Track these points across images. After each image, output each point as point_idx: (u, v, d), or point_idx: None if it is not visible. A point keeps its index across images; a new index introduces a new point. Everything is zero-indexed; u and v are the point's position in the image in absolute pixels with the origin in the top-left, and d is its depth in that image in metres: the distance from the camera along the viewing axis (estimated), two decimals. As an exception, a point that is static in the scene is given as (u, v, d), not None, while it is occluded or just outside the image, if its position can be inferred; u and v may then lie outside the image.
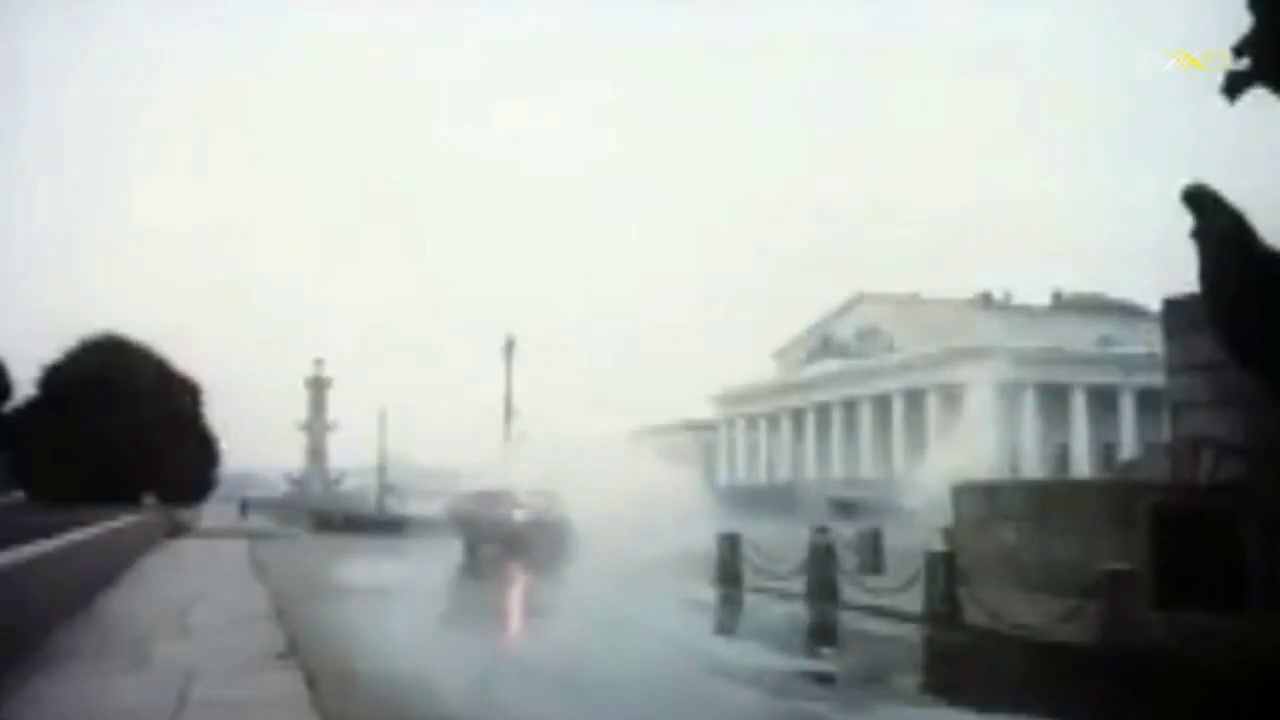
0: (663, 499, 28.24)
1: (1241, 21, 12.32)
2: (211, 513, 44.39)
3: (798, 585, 15.96)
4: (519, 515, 28.36)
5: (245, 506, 53.75)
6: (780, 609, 15.31)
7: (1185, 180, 12.36)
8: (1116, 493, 14.16)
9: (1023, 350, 57.56)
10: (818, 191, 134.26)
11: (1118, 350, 59.94)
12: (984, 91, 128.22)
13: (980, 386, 51.48)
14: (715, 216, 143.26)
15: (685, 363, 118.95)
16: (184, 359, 40.13)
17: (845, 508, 44.46)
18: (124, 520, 20.15)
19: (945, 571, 12.83)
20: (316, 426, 69.64)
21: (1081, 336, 61.82)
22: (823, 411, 71.10)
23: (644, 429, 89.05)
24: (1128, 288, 63.30)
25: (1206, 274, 12.29)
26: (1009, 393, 54.92)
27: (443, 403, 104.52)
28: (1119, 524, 12.66)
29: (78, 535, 13.09)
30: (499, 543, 26.94)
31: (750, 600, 16.62)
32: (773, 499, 53.30)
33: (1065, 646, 10.41)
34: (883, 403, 65.88)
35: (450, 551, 27.67)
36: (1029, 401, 60.19)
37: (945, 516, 16.04)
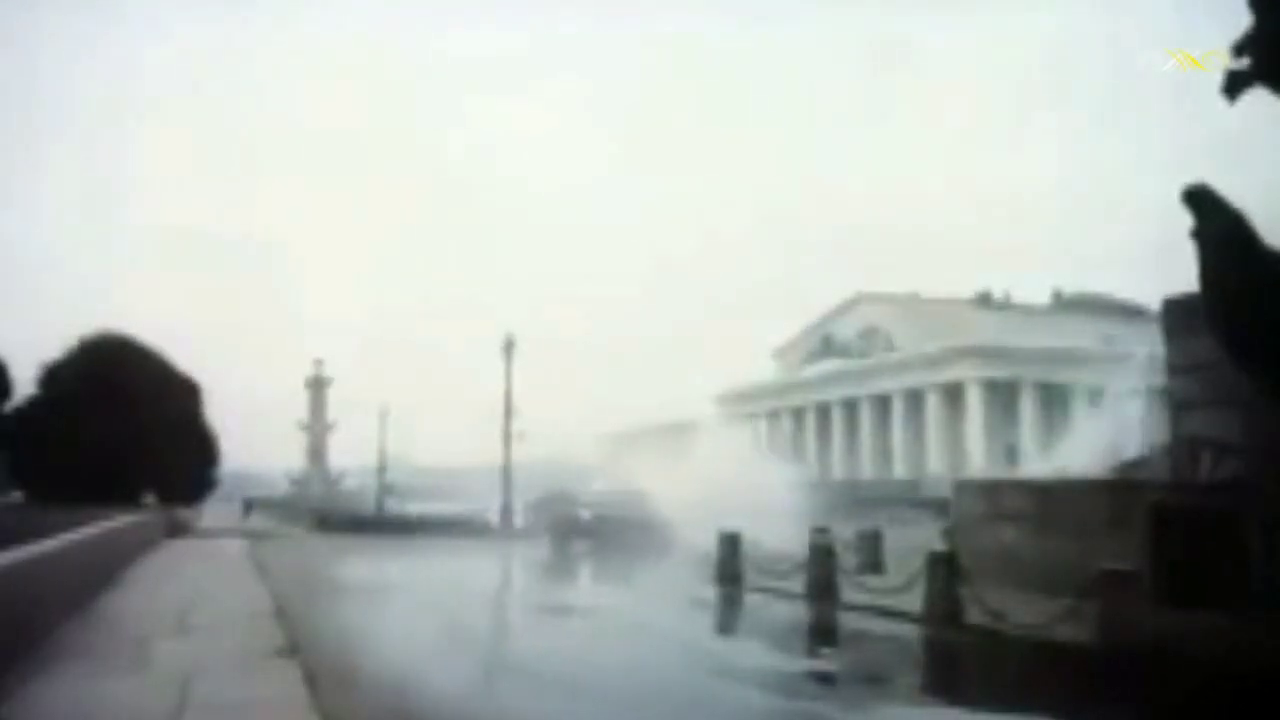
0: (754, 497, 28.44)
1: (1241, 21, 12.32)
2: (211, 513, 44.37)
3: (797, 585, 15.96)
4: (608, 513, 29.20)
5: (249, 506, 53.70)
6: (780, 608, 15.31)
7: (1185, 180, 12.36)
8: (1116, 493, 14.18)
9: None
10: (818, 192, 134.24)
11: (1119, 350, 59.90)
12: (984, 92, 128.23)
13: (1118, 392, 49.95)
14: (716, 217, 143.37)
15: (686, 362, 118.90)
16: (184, 359, 40.17)
17: (940, 506, 43.75)
18: (124, 520, 20.13)
19: (945, 571, 12.82)
20: (316, 426, 69.60)
21: (1081, 336, 61.76)
22: (823, 411, 71.11)
23: (643, 429, 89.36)
24: (1128, 288, 63.04)
25: (1206, 274, 12.28)
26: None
27: (443, 403, 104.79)
28: (1119, 524, 12.67)
29: (78, 535, 13.07)
30: (588, 539, 28.20)
31: (751, 599, 16.62)
32: (862, 497, 52.23)
33: (1065, 646, 10.41)
34: (882, 402, 65.89)
35: (459, 551, 27.78)
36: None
37: None
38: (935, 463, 59.13)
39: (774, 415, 76.32)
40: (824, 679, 10.05)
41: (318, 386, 69.54)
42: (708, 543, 19.59)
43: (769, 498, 28.86)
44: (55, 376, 36.13)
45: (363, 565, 23.22)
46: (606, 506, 30.38)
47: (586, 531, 29.34)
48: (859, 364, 68.24)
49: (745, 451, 46.45)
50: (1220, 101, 12.60)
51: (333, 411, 70.04)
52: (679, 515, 26.16)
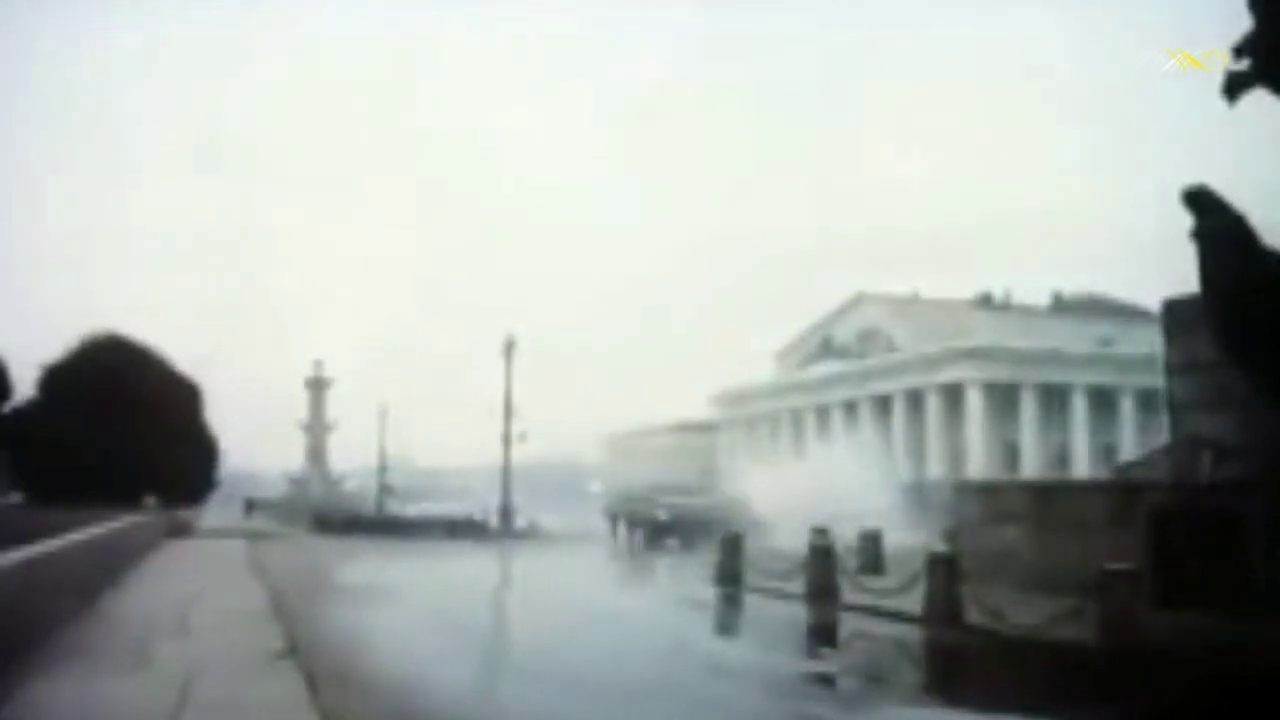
0: (849, 496, 28.54)
1: (1241, 21, 12.33)
2: (212, 513, 44.34)
3: (797, 586, 15.97)
4: (690, 514, 30.41)
5: (250, 506, 53.63)
6: (780, 609, 15.31)
7: (1185, 180, 12.38)
8: (1116, 493, 14.19)
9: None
10: (819, 192, 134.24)
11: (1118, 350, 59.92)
12: (984, 92, 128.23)
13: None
14: (716, 217, 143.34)
15: (686, 363, 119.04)
16: (184, 359, 40.17)
17: None
18: (124, 520, 20.11)
19: (945, 572, 12.82)
20: (316, 427, 69.49)
21: (1081, 337, 61.82)
22: (823, 412, 71.03)
23: (642, 429, 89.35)
24: (1128, 288, 63.02)
25: (1206, 274, 12.30)
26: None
27: (443, 403, 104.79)
28: (1119, 524, 12.68)
29: (78, 535, 13.07)
30: (680, 535, 29.45)
31: (750, 600, 16.62)
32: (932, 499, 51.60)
33: (1065, 646, 10.42)
34: (883, 403, 65.85)
35: (461, 554, 27.74)
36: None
37: None
38: (935, 465, 59.09)
39: (773, 417, 76.30)
40: (823, 680, 10.05)
41: (318, 387, 69.45)
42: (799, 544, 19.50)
43: (866, 500, 28.84)
44: (55, 377, 36.11)
45: (361, 567, 23.22)
46: (688, 508, 31.17)
47: (667, 531, 30.45)
48: (859, 365, 68.21)
49: (845, 452, 46.31)
50: (1220, 102, 12.63)
51: (333, 411, 70.05)
52: (776, 516, 26.21)
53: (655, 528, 31.13)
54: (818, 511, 24.25)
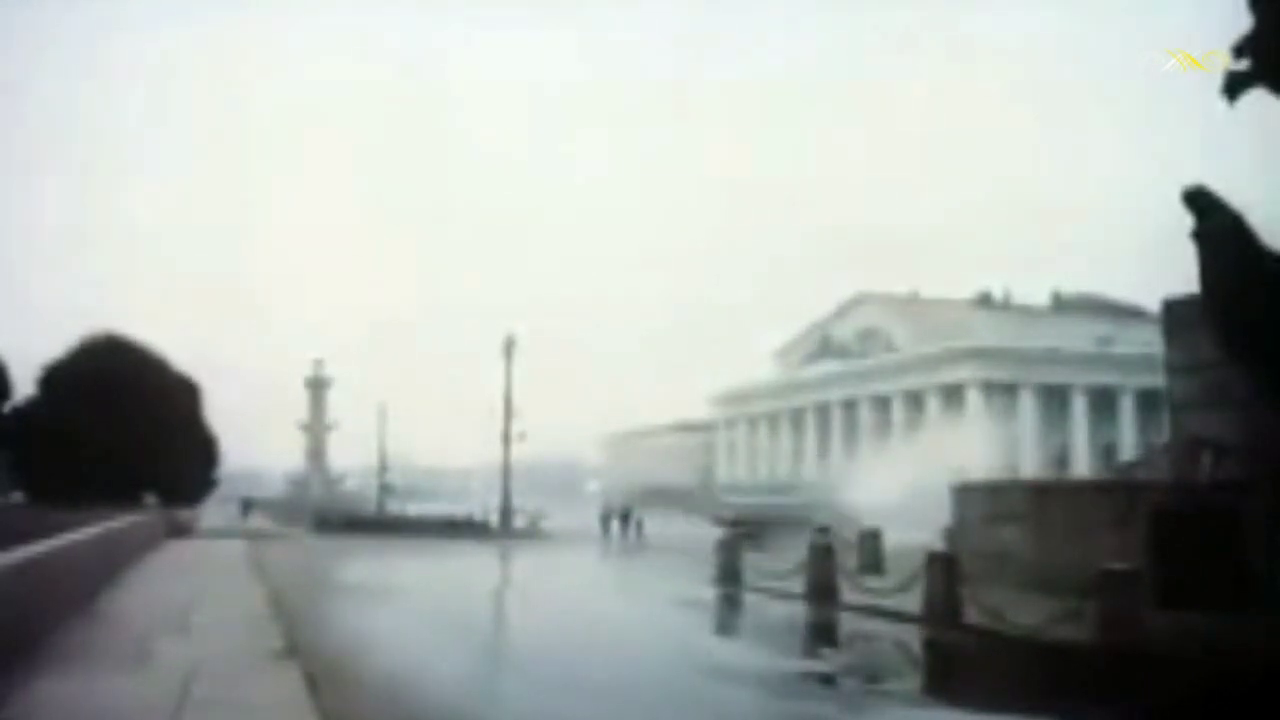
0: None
1: (1241, 21, 12.33)
2: (211, 513, 44.29)
3: (797, 585, 15.95)
4: (779, 509, 32.04)
5: (247, 506, 53.53)
6: (780, 609, 15.30)
7: (1185, 180, 12.39)
8: (1116, 493, 14.19)
9: None
10: (818, 192, 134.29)
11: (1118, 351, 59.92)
12: (985, 92, 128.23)
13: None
14: (717, 218, 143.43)
15: (686, 363, 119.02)
16: (184, 359, 40.14)
17: None
18: (124, 520, 20.10)
19: (945, 572, 12.81)
20: (316, 427, 69.46)
21: (1081, 336, 61.79)
22: (822, 411, 71.02)
23: (641, 429, 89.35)
24: (1127, 288, 63.00)
25: (1206, 274, 12.31)
26: None
27: (443, 403, 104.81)
28: (1119, 524, 12.68)
29: (78, 535, 13.06)
30: (755, 534, 29.34)
31: (750, 600, 16.61)
32: None
33: (1065, 646, 10.41)
34: (882, 403, 65.84)
35: (462, 554, 27.68)
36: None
37: None
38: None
39: (773, 416, 76.27)
40: (824, 679, 10.04)
41: (318, 386, 69.42)
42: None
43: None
44: (55, 377, 36.09)
45: (360, 567, 23.20)
46: (763, 507, 31.46)
47: (740, 529, 31.10)
48: (859, 365, 68.17)
49: (952, 445, 44.75)
50: (1220, 102, 12.63)
51: (333, 411, 70.01)
52: (869, 514, 25.91)
53: (730, 526, 31.46)
54: (916, 512, 23.81)
